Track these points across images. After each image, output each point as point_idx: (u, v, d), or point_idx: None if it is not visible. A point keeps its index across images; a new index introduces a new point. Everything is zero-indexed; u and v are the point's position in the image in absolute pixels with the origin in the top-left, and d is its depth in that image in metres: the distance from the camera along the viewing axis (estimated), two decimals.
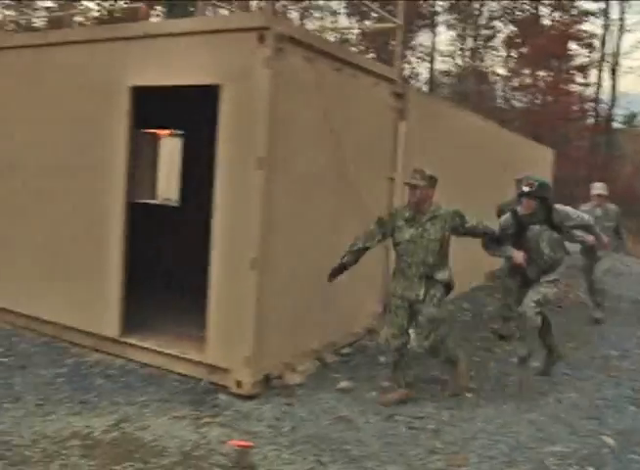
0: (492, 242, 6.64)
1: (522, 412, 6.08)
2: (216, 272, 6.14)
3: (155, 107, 7.58)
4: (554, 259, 6.46)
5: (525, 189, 6.47)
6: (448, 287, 6.20)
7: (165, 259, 10.19)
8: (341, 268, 6.22)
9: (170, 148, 12.10)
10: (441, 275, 6.08)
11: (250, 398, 5.94)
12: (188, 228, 10.28)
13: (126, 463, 4.63)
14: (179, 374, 6.46)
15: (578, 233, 7.48)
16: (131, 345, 6.82)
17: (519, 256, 6.49)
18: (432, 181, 6.13)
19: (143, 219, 7.80)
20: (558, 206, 6.59)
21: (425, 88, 38.58)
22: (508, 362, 7.57)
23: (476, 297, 11.04)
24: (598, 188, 10.24)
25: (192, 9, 8.28)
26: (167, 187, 12.30)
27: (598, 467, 5.01)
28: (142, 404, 5.73)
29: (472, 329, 8.97)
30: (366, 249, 6.20)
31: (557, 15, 37.72)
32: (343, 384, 6.45)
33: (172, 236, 10.31)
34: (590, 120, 37.78)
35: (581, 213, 6.95)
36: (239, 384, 5.95)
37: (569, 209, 6.76)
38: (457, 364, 6.52)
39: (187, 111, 9.40)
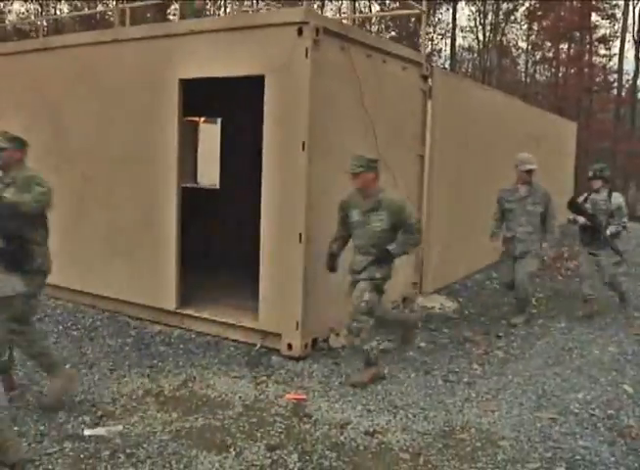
0: None
1: (547, 366, 6.66)
2: (267, 247, 6.74)
3: (192, 95, 8.10)
4: None
5: None
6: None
7: (211, 238, 10.83)
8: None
9: (208, 134, 12.69)
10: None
11: (300, 358, 6.57)
12: (228, 209, 10.92)
13: (197, 415, 5.27)
14: (234, 340, 7.10)
15: None
16: (188, 316, 7.47)
17: None
18: (18, 143, 5.33)
19: (187, 202, 8.34)
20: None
21: (447, 64, 38.79)
22: (534, 324, 8.16)
23: None
24: (525, 161, 8.15)
25: None
26: (205, 171, 12.88)
27: (618, 410, 5.59)
28: (203, 367, 6.36)
29: (500, 296, 9.53)
30: None
31: None
32: (384, 345, 7.05)
33: (215, 217, 10.93)
34: (614, 92, 37.80)
35: None
36: (290, 346, 6.58)
37: None
38: None
39: (223, 99, 9.94)
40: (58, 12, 34.38)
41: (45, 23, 28.67)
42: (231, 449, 4.69)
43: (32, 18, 34.31)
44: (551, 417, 5.41)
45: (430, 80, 8.87)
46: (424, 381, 6.16)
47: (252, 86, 6.92)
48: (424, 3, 8.97)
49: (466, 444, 4.90)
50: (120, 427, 4.99)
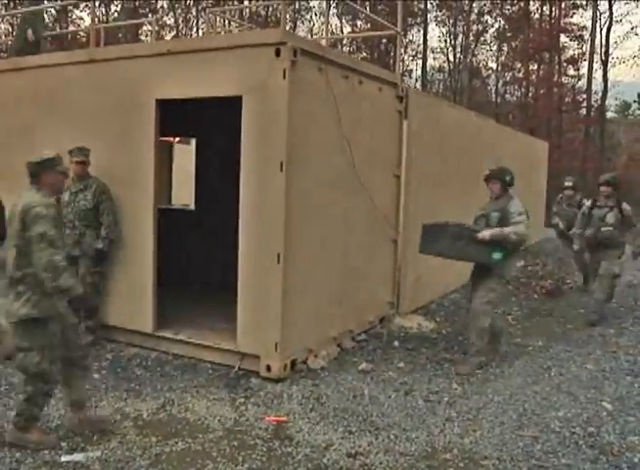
0: None
1: (527, 385, 6.67)
2: (244, 268, 6.69)
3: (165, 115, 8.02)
4: None
5: None
6: None
7: (186, 260, 10.75)
8: None
9: (182, 154, 12.64)
10: None
11: (279, 380, 6.51)
12: (205, 230, 10.84)
13: (177, 438, 5.19)
14: (211, 363, 7.02)
15: None
16: (165, 338, 7.38)
17: None
18: None
19: (163, 223, 8.26)
20: None
21: (418, 85, 39.09)
22: (512, 343, 8.18)
23: None
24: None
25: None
26: (180, 192, 12.82)
27: (598, 427, 5.60)
28: (182, 390, 6.28)
29: None
30: None
31: (546, 8, 38.25)
32: (363, 366, 7.03)
33: (189, 238, 10.84)
34: (583, 112, 38.30)
35: None
36: (269, 368, 6.52)
37: None
38: None
39: (197, 118, 9.90)
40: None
41: None
42: None
43: (3, 38, 34.05)
44: (533, 436, 5.41)
45: (405, 101, 8.92)
46: (404, 401, 6.13)
47: (226, 106, 6.91)
48: (399, 24, 9.03)
49: (449, 464, 4.88)
50: (99, 452, 4.90)
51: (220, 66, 6.71)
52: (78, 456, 4.83)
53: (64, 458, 4.79)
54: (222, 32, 12.69)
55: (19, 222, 4.75)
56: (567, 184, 10.96)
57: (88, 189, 7.35)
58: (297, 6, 37.92)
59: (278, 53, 6.32)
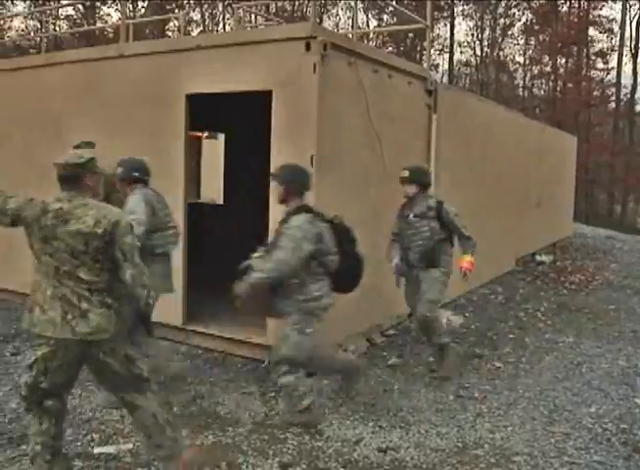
0: None
1: (558, 381, 6.63)
2: None
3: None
4: None
5: None
6: None
7: (215, 254, 10.78)
8: None
9: (211, 149, 12.67)
10: None
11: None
12: (231, 225, 10.88)
13: (207, 432, 5.21)
14: (241, 357, 7.04)
15: None
16: (195, 332, 7.41)
17: None
18: None
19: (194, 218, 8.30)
20: None
21: (444, 79, 38.94)
22: (542, 339, 8.12)
23: (508, 280, 11.61)
24: None
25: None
26: (208, 187, 12.88)
27: (631, 424, 5.56)
28: (212, 383, 6.31)
29: (507, 309, 9.51)
30: None
31: (574, 1, 37.89)
32: (393, 360, 7.02)
33: (219, 232, 10.87)
34: (612, 105, 37.92)
35: None
36: None
37: None
38: None
39: (225, 114, 9.92)
40: (57, 29, 34.43)
41: (45, 40, 28.71)
42: (243, 467, 4.64)
43: (32, 34, 34.41)
44: (564, 432, 5.37)
45: (434, 95, 8.87)
46: (434, 396, 6.11)
47: (254, 101, 6.92)
48: (428, 17, 8.99)
49: (480, 460, 4.85)
50: (130, 445, 4.93)
51: (250, 60, 6.71)
52: (110, 448, 4.87)
53: (96, 450, 4.83)
54: (249, 27, 12.72)
55: None
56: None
57: None
58: (323, 0, 37.94)
59: (308, 47, 6.33)
